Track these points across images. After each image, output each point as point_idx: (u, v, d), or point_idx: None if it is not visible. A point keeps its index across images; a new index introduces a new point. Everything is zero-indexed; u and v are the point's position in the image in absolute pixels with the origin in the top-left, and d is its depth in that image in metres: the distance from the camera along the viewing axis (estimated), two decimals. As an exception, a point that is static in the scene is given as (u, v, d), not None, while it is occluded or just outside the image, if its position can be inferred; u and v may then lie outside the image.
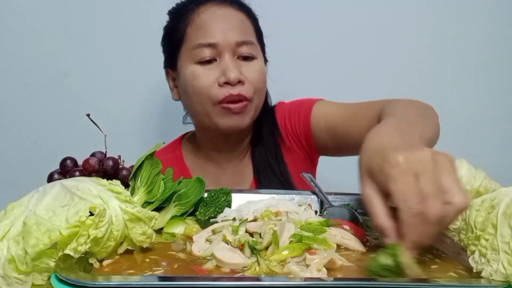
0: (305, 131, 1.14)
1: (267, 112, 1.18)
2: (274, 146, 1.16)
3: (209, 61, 1.05)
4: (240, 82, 1.03)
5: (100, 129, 0.77)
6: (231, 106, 1.04)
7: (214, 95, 1.03)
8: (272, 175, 1.13)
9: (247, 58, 1.07)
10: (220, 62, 1.05)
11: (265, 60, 1.14)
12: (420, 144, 0.65)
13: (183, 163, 1.19)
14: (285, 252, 0.60)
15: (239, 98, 1.04)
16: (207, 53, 1.04)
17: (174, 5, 1.15)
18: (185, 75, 1.07)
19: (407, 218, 0.55)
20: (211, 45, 1.04)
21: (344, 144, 1.06)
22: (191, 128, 1.24)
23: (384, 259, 0.55)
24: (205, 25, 1.06)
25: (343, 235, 0.69)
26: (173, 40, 1.10)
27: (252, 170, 1.17)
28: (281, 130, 1.17)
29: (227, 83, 1.03)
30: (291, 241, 0.62)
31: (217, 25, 1.06)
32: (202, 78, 1.04)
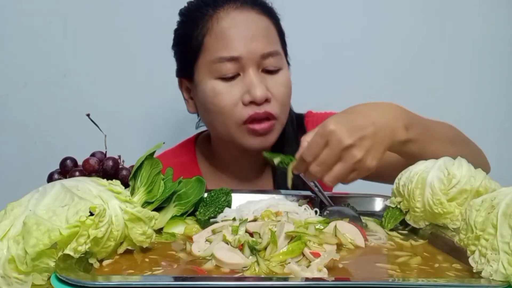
0: None
1: (291, 119, 1.10)
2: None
3: (232, 77, 0.96)
4: (266, 100, 0.95)
5: (100, 129, 0.77)
6: (257, 127, 0.96)
7: (239, 116, 0.95)
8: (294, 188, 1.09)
9: (272, 71, 0.98)
10: (244, 77, 0.96)
11: (288, 64, 1.06)
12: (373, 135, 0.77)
13: (197, 168, 1.11)
14: (283, 249, 0.60)
15: (266, 116, 0.96)
16: (229, 68, 0.95)
17: (185, 4, 1.05)
18: (205, 90, 0.98)
19: (297, 156, 0.80)
20: (234, 59, 0.95)
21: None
22: (189, 130, 1.23)
23: (278, 158, 0.85)
24: (226, 34, 0.96)
25: (348, 229, 0.69)
26: (189, 49, 1.00)
27: (273, 183, 1.11)
28: None
29: (252, 102, 0.95)
30: (289, 241, 0.62)
31: (239, 35, 0.96)
32: (225, 96, 0.95)
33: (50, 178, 0.75)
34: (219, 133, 1.03)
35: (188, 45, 1.01)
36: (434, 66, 1.58)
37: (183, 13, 1.06)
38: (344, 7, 1.52)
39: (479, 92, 1.60)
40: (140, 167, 0.71)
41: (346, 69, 1.53)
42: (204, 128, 1.18)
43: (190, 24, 1.02)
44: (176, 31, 1.07)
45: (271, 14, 1.03)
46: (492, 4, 1.57)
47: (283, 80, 1.00)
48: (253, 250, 0.61)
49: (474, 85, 1.60)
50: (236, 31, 0.97)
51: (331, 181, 0.78)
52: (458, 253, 0.64)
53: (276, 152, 0.99)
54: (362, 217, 0.81)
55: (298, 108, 1.19)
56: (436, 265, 0.63)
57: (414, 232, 0.77)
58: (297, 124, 1.13)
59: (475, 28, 1.57)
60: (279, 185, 1.08)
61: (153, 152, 0.73)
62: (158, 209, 0.73)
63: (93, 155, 0.76)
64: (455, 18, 1.57)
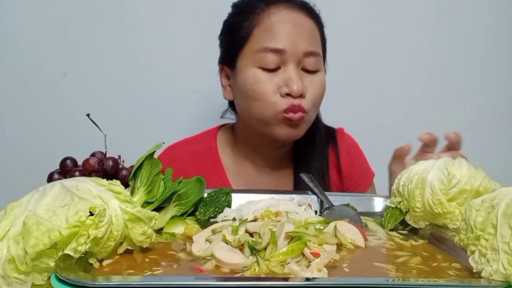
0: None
1: (320, 127, 1.16)
2: (323, 165, 1.14)
3: (272, 70, 1.01)
4: (301, 95, 1.00)
5: (100, 129, 0.77)
6: (293, 117, 1.00)
7: (278, 103, 1.00)
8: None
9: (310, 71, 1.03)
10: (284, 70, 1.01)
11: (325, 70, 1.11)
12: None
13: (218, 156, 1.16)
14: (283, 249, 0.60)
15: (299, 109, 1.00)
16: (272, 59, 1.00)
17: None
18: (246, 77, 1.02)
19: None
20: (278, 51, 1.00)
21: None
22: (189, 130, 1.23)
23: None
24: (275, 28, 1.02)
25: (348, 229, 0.69)
26: (236, 38, 1.05)
27: (293, 182, 1.14)
28: (343, 166, 1.17)
29: (289, 94, 0.99)
30: (289, 241, 0.62)
31: (286, 30, 1.01)
32: (264, 84, 1.00)
33: (50, 178, 0.75)
34: (255, 118, 1.05)
35: (237, 34, 1.06)
36: (434, 67, 1.58)
37: (237, 5, 1.11)
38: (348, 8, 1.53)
39: (479, 92, 1.60)
40: (140, 167, 0.71)
41: (351, 70, 1.53)
42: (227, 121, 1.22)
43: (241, 15, 1.07)
44: (226, 21, 1.12)
45: (317, 19, 1.08)
46: (494, 4, 1.57)
47: (319, 81, 1.05)
48: (253, 250, 0.61)
49: (474, 85, 1.60)
50: (284, 26, 1.02)
51: None
52: (458, 253, 0.64)
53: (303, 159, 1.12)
54: (362, 217, 0.81)
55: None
56: (436, 265, 0.63)
57: (414, 232, 0.77)
58: (327, 136, 1.18)
59: (477, 28, 1.57)
60: (299, 179, 1.11)
61: (153, 152, 0.73)
62: (158, 209, 0.73)
63: (93, 155, 0.76)
64: (455, 19, 1.57)
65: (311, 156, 1.13)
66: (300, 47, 1.01)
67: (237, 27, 1.06)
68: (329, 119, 1.23)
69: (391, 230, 0.77)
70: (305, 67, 1.03)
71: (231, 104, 1.16)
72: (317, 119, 1.14)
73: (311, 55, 1.02)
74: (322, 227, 0.67)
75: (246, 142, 1.15)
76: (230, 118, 1.20)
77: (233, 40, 1.07)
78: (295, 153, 1.16)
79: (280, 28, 1.02)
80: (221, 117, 1.21)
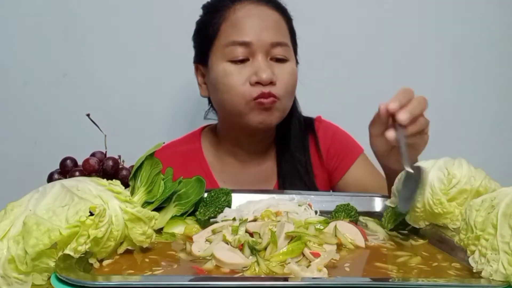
0: (337, 173, 1.18)
1: (298, 118, 1.18)
2: (305, 155, 1.16)
3: (242, 61, 1.04)
4: (271, 82, 1.03)
5: (100, 129, 0.77)
6: (263, 101, 1.02)
7: (247, 93, 1.02)
8: (300, 183, 1.13)
9: (279, 60, 1.06)
10: (252, 62, 1.04)
11: (297, 62, 1.14)
12: None
13: (202, 155, 1.18)
14: (283, 249, 0.60)
15: (269, 96, 1.03)
16: (240, 51, 1.03)
17: (209, 0, 1.14)
18: (217, 72, 1.06)
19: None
20: (245, 44, 1.03)
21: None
22: (189, 130, 1.24)
23: None
24: (240, 22, 1.05)
25: (348, 229, 0.69)
26: (206, 36, 1.09)
27: (277, 174, 1.16)
28: (321, 148, 1.18)
29: (258, 82, 1.02)
30: (289, 241, 0.62)
31: (252, 24, 1.05)
32: (234, 76, 1.03)
33: (50, 178, 0.75)
34: (228, 111, 1.08)
35: (207, 32, 1.09)
36: (434, 66, 1.58)
37: (205, 6, 1.15)
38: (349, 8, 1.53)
39: (479, 92, 1.60)
40: (140, 167, 0.71)
41: (350, 69, 1.53)
42: (210, 122, 1.23)
43: (210, 14, 1.11)
44: (197, 22, 1.15)
45: (283, 12, 1.11)
46: (496, 4, 1.57)
47: (289, 70, 1.07)
48: (253, 250, 0.61)
49: (474, 85, 1.60)
50: (249, 20, 1.06)
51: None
52: (458, 253, 0.64)
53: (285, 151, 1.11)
54: (362, 217, 0.82)
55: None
56: (436, 265, 0.63)
57: (414, 232, 0.77)
58: (306, 125, 1.20)
59: (476, 27, 1.57)
60: (283, 171, 1.15)
61: (153, 152, 0.73)
62: (158, 209, 0.73)
63: (93, 155, 0.76)
64: (455, 18, 1.57)
65: (292, 146, 1.15)
66: (266, 38, 1.04)
67: (207, 25, 1.10)
68: (329, 118, 1.23)
69: (391, 230, 0.77)
70: (274, 56, 1.05)
71: (211, 102, 1.19)
72: (296, 110, 1.17)
73: (278, 45, 1.05)
74: (322, 227, 0.67)
75: (228, 138, 1.17)
76: (214, 119, 1.22)
77: (204, 38, 1.10)
78: (277, 146, 1.17)
79: (246, 22, 1.05)
80: (205, 118, 1.23)
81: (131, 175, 0.72)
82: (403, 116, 0.71)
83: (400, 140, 0.72)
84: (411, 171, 0.71)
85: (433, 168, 0.75)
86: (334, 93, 1.52)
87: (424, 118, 0.77)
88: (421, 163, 0.78)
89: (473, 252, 0.58)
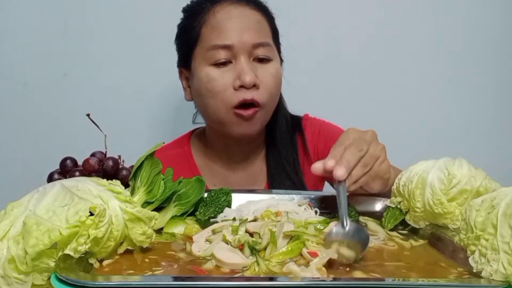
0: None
1: (285, 117, 1.17)
2: (292, 153, 1.15)
3: (224, 63, 1.02)
4: (255, 86, 1.01)
5: (100, 129, 0.77)
6: (243, 112, 1.02)
7: (229, 99, 1.01)
8: (288, 181, 1.12)
9: (263, 60, 1.04)
10: (235, 64, 1.02)
11: (281, 60, 1.13)
12: None
13: (192, 159, 1.18)
14: (283, 249, 0.60)
15: (252, 102, 1.02)
16: (222, 55, 1.02)
17: (189, 3, 1.13)
18: (200, 77, 1.04)
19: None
20: (227, 47, 1.02)
21: None
22: (186, 127, 1.24)
23: None
24: (221, 25, 1.03)
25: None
26: (188, 40, 1.08)
27: (266, 174, 1.16)
28: (308, 146, 1.17)
29: (242, 86, 1.01)
30: (289, 241, 0.62)
31: (232, 26, 1.03)
32: (217, 81, 1.02)
33: (50, 178, 0.75)
34: (211, 117, 1.08)
35: (188, 36, 1.08)
36: (434, 67, 1.58)
37: (186, 9, 1.13)
38: (340, 9, 1.53)
39: (479, 92, 1.60)
40: (140, 167, 0.71)
41: (343, 72, 1.53)
42: (199, 125, 1.23)
43: (190, 18, 1.09)
44: (178, 25, 1.14)
45: (264, 11, 1.09)
46: (495, 4, 1.57)
47: (273, 71, 1.06)
48: (253, 250, 0.61)
49: (474, 85, 1.60)
50: (230, 22, 1.04)
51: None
52: (458, 253, 0.64)
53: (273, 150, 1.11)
54: (362, 217, 0.81)
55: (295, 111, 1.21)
56: (436, 265, 0.63)
57: (414, 232, 0.77)
58: (293, 124, 1.19)
59: (476, 27, 1.57)
60: (271, 170, 1.14)
61: (153, 152, 0.73)
62: (158, 209, 0.73)
63: (93, 155, 0.76)
64: (455, 18, 1.57)
65: (281, 146, 1.14)
66: (248, 40, 1.02)
67: (187, 29, 1.08)
68: (329, 118, 1.23)
69: (391, 230, 0.77)
70: (257, 57, 1.04)
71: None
72: (283, 109, 1.17)
73: (261, 45, 1.04)
74: (322, 227, 0.67)
75: (216, 142, 1.16)
76: (202, 123, 1.21)
77: (186, 42, 1.09)
78: (267, 145, 1.17)
79: (226, 25, 1.04)
80: (193, 122, 1.23)
81: (131, 175, 0.72)
82: (339, 172, 0.71)
83: (340, 192, 0.71)
84: (346, 224, 0.68)
85: (434, 168, 0.75)
86: (325, 91, 1.52)
87: (362, 166, 0.75)
88: (421, 162, 0.79)
89: (473, 252, 0.58)
